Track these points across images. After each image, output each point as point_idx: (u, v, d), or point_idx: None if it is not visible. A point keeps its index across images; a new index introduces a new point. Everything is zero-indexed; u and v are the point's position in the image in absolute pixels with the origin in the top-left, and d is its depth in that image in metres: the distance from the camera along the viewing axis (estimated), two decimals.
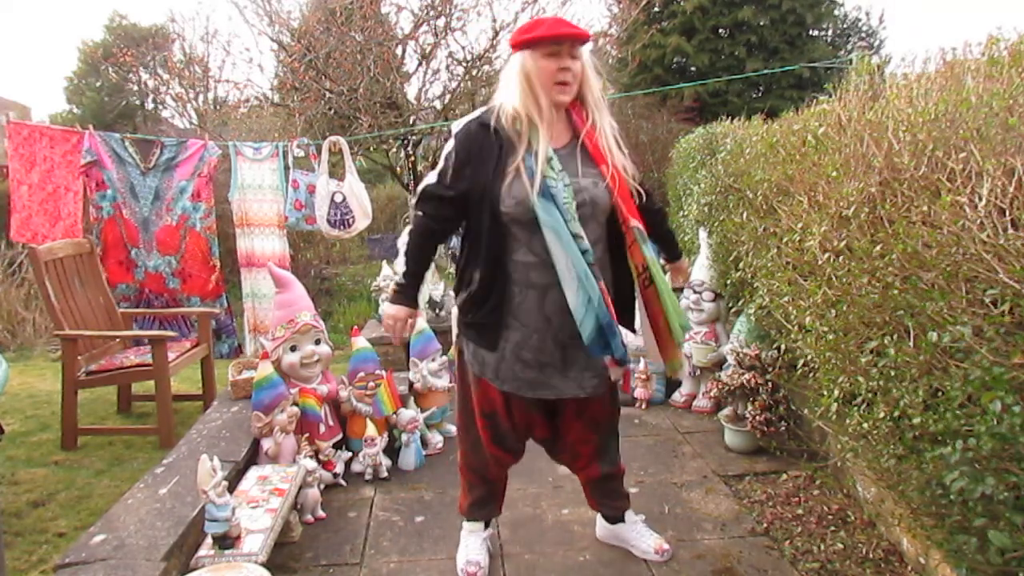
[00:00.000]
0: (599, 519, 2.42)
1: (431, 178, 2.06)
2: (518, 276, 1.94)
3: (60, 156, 4.48)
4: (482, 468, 2.25)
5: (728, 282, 3.35)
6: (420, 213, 2.04)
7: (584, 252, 1.84)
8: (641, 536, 2.34)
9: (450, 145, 2.03)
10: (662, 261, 2.18)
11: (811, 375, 2.34)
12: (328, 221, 4.61)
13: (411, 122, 8.05)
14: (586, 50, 1.93)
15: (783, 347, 2.79)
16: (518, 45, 1.88)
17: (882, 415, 1.74)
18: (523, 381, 2.00)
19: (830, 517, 2.52)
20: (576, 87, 1.91)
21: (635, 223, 1.92)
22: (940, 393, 1.54)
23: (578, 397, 2.05)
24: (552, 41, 1.84)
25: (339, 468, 2.91)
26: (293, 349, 2.96)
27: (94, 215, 4.55)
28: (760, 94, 9.95)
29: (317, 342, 3.03)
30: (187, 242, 4.59)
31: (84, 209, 4.60)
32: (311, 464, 2.65)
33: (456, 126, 2.00)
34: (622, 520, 2.37)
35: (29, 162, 4.41)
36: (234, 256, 5.01)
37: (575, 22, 2.19)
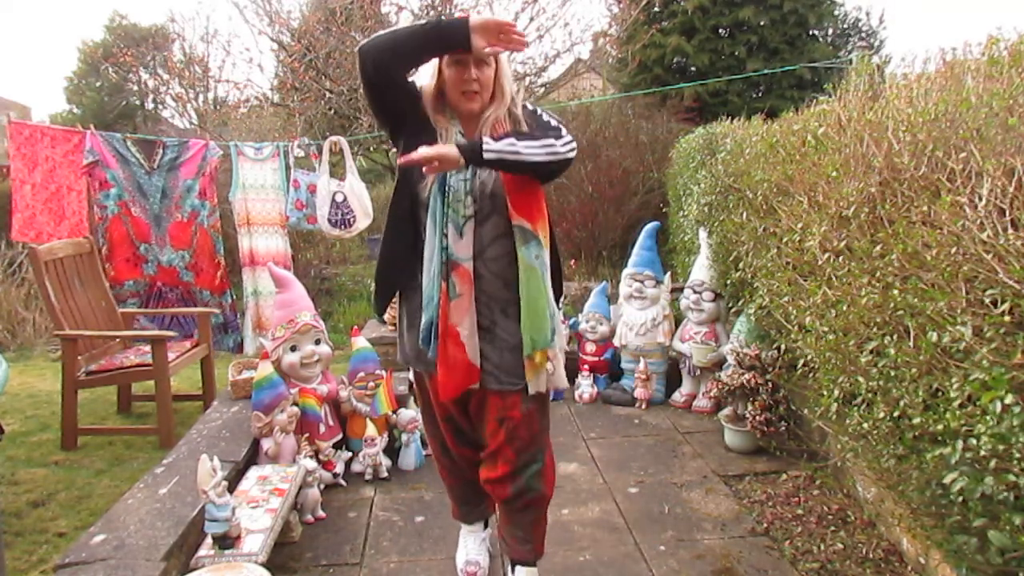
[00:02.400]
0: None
1: None
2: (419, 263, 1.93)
3: (62, 156, 4.50)
4: (456, 469, 2.22)
5: (728, 282, 3.35)
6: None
7: (444, 249, 1.84)
8: None
9: None
10: None
11: (811, 375, 2.33)
12: (329, 221, 4.62)
13: None
14: (502, 55, 1.85)
15: (783, 347, 2.79)
16: None
17: (882, 415, 1.74)
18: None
19: (830, 517, 2.52)
20: (486, 94, 1.84)
21: (519, 222, 1.84)
22: (940, 393, 1.54)
23: (498, 403, 1.96)
24: (455, 53, 1.80)
25: (339, 468, 2.91)
26: (293, 349, 2.96)
27: (98, 215, 4.55)
28: (760, 94, 9.94)
29: (317, 342, 3.03)
30: (198, 238, 4.72)
31: (88, 208, 4.61)
32: (311, 464, 2.65)
33: None
34: (513, 570, 2.14)
35: (31, 162, 4.43)
36: (235, 256, 5.04)
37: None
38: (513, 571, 2.14)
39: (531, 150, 1.74)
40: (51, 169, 4.48)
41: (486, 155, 1.69)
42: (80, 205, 4.54)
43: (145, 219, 4.63)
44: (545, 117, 1.93)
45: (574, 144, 1.85)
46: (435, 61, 1.85)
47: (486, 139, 1.71)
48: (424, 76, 1.90)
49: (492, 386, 1.94)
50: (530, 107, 1.97)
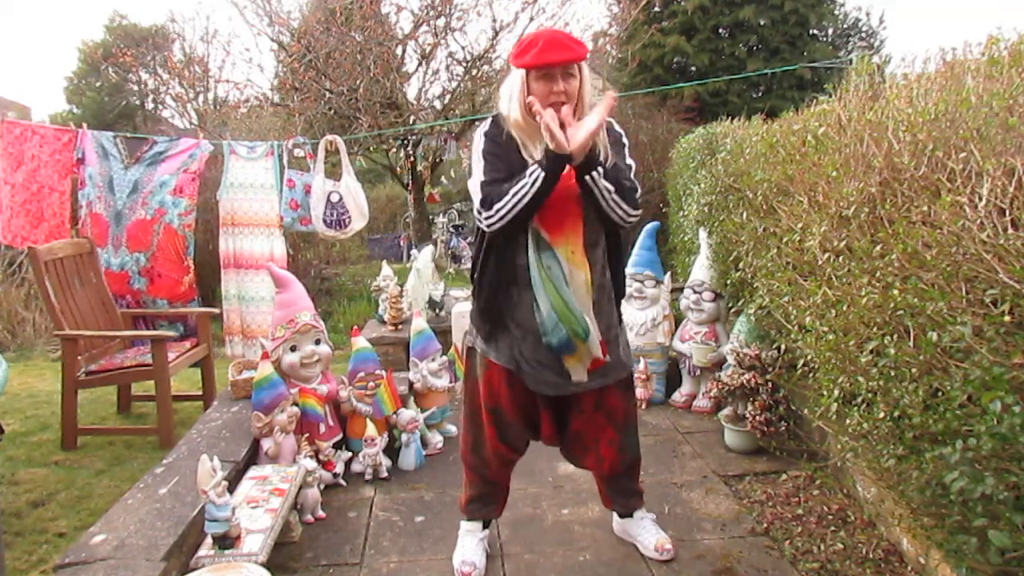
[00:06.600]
0: (614, 515, 2.47)
1: (476, 186, 1.99)
2: (519, 278, 2.00)
3: (48, 155, 4.30)
4: (483, 467, 2.26)
5: (728, 282, 3.35)
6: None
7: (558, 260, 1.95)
8: (646, 531, 2.37)
9: (478, 147, 2.01)
10: None
11: (811, 375, 2.33)
12: (324, 221, 4.57)
13: (411, 122, 8.07)
14: (584, 65, 1.94)
15: (783, 347, 2.79)
16: (516, 63, 1.91)
17: (882, 415, 1.74)
18: (526, 374, 2.07)
19: (830, 517, 2.52)
20: (573, 104, 1.90)
21: (535, 225, 1.96)
22: (940, 393, 1.54)
23: (594, 391, 2.13)
24: (543, 68, 1.87)
25: (339, 468, 2.91)
26: (293, 349, 2.96)
27: (77, 214, 4.42)
28: (760, 94, 9.95)
29: (317, 342, 3.03)
30: (160, 238, 4.29)
31: (70, 210, 4.46)
32: (311, 464, 2.65)
33: (477, 133, 2.05)
34: (631, 516, 2.41)
35: (16, 161, 4.25)
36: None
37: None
38: (632, 515, 2.42)
39: (616, 205, 1.94)
40: (35, 168, 4.29)
41: (585, 178, 1.86)
42: (62, 207, 4.32)
43: (106, 216, 4.29)
44: (624, 143, 2.09)
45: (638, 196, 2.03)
46: (519, 80, 1.91)
47: (597, 172, 1.87)
48: (510, 103, 1.94)
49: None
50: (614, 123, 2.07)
